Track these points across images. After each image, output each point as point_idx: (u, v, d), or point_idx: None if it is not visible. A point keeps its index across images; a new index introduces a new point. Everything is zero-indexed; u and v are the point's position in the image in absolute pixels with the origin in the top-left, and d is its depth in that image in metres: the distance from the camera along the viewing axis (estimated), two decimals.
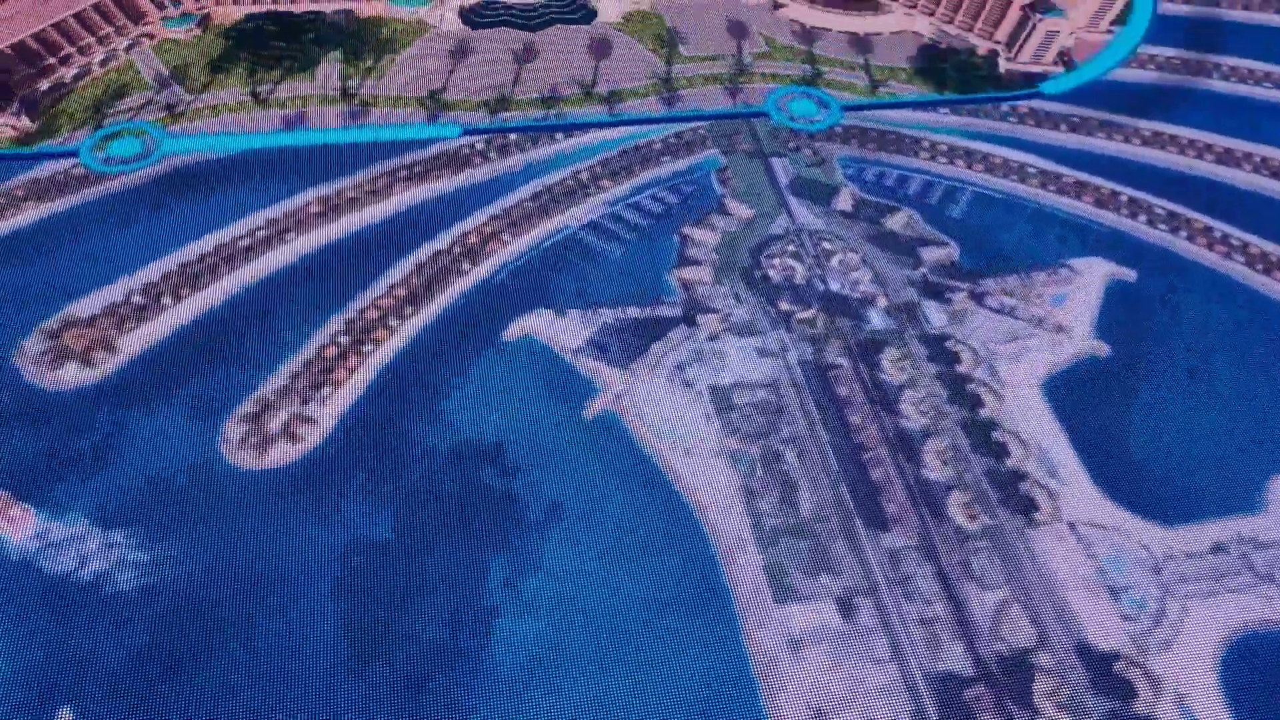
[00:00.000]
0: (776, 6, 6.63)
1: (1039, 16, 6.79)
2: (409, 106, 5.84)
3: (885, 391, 4.91)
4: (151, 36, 6.82)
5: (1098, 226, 5.84)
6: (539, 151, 5.51)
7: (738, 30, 6.39)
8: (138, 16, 7.13)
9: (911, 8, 6.86)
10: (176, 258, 5.05)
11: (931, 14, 7.26)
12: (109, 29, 7.81)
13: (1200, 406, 5.71)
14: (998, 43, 7.04)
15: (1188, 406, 5.45)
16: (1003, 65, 6.50)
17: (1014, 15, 7.70)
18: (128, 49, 6.76)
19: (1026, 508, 5.25)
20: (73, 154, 5.21)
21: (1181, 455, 5.32)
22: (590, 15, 6.42)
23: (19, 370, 4.69)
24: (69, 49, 7.31)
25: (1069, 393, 5.22)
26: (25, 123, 5.18)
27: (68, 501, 4.63)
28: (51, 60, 7.73)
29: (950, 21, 7.12)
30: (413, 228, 5.63)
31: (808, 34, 6.67)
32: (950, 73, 6.58)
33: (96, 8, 8.16)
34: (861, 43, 6.89)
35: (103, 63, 7.26)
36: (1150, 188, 6.22)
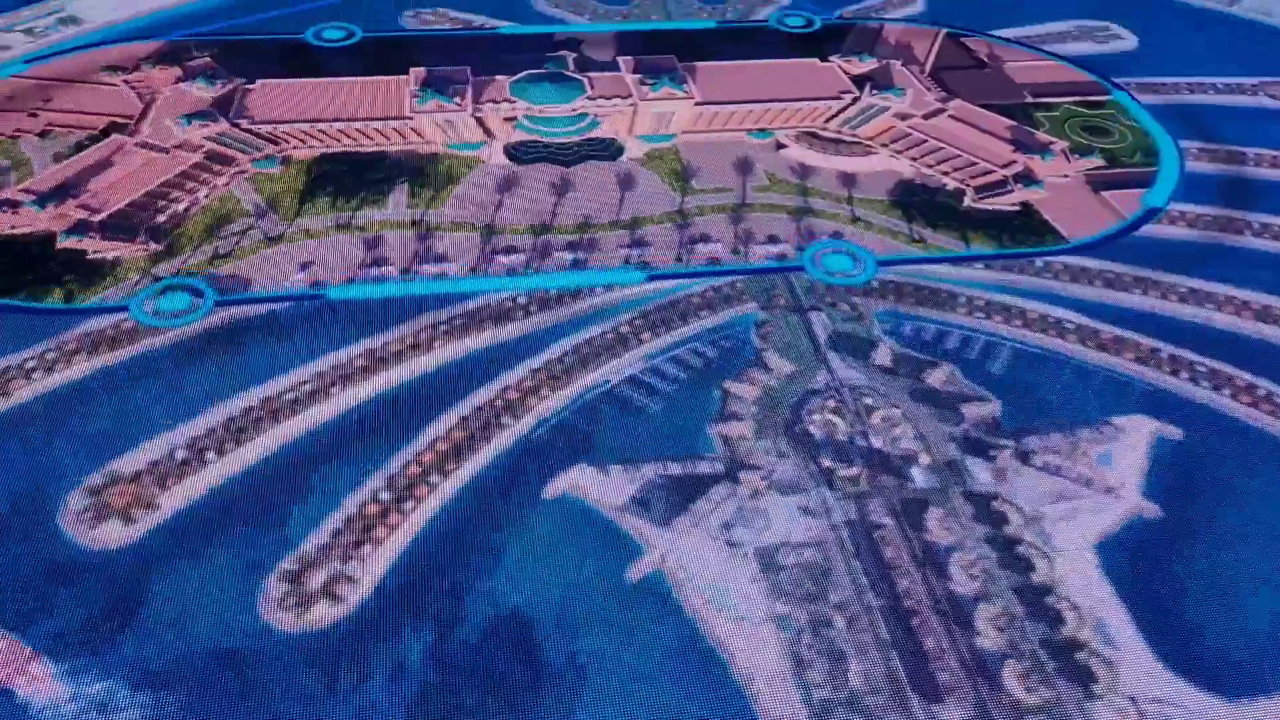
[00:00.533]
0: (779, 148, 6.73)
1: (1020, 185, 6.84)
2: (470, 231, 5.94)
3: (933, 554, 4.60)
4: (245, 172, 7.02)
5: (1140, 383, 5.54)
6: (579, 305, 5.36)
7: (743, 167, 6.45)
8: (229, 161, 7.39)
9: (898, 153, 6.96)
10: (222, 412, 4.84)
11: (916, 160, 7.32)
12: (207, 174, 8.12)
13: (1256, 572, 5.27)
14: (968, 186, 7.04)
15: (1243, 572, 5.03)
16: (966, 202, 6.46)
17: (996, 177, 7.75)
18: (226, 184, 6.99)
19: (1085, 679, 4.88)
20: (123, 309, 5.15)
21: (1240, 624, 4.88)
22: (619, 152, 6.54)
23: (60, 528, 4.45)
24: (177, 193, 7.59)
25: (1122, 556, 4.86)
26: (153, 245, 5.25)
27: (99, 662, 4.28)
28: (163, 202, 8.07)
29: (931, 167, 7.20)
30: (454, 382, 5.46)
31: (804, 171, 6.71)
32: (919, 207, 6.44)
33: (195, 165, 8.60)
34: (848, 178, 6.96)
35: (208, 195, 7.52)
36: (1190, 344, 5.93)
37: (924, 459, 3.42)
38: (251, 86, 4.58)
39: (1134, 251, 4.48)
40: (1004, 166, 4.44)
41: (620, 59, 4.92)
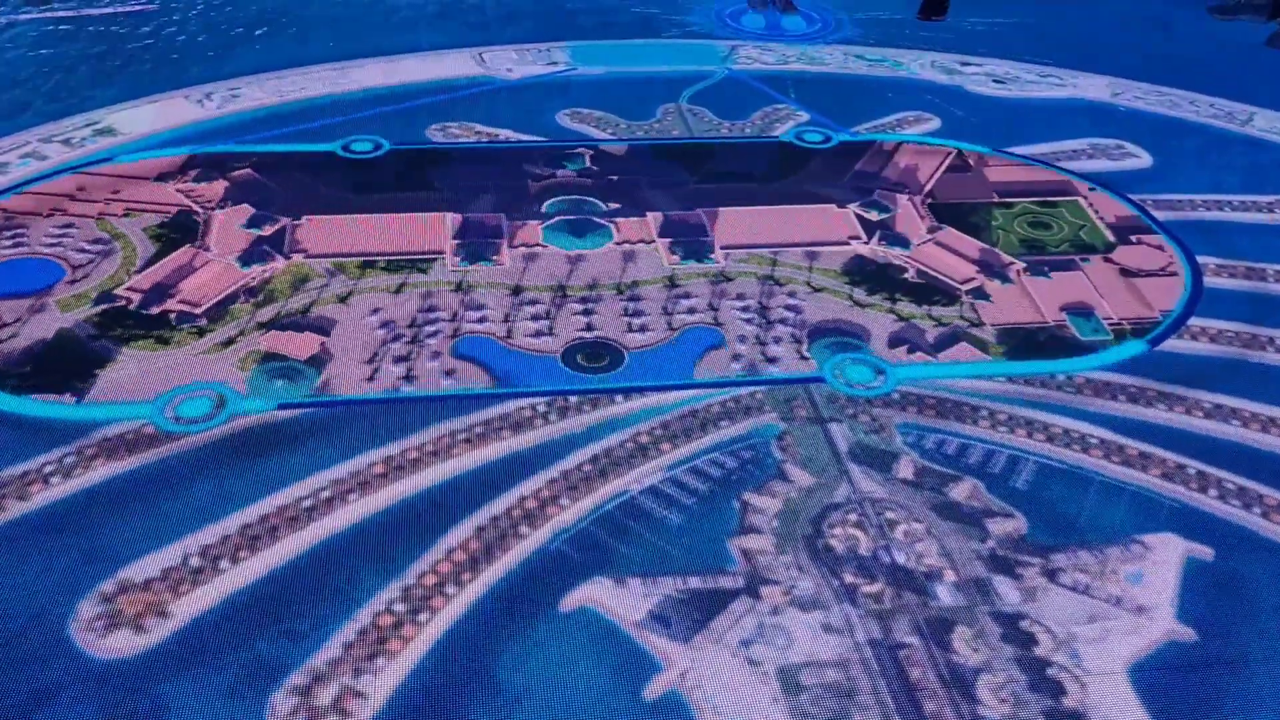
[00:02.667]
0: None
1: (971, 296, 7.02)
2: (501, 288, 5.93)
3: (960, 675, 4.37)
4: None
5: (1168, 500, 5.31)
6: (599, 414, 5.28)
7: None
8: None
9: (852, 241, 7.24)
10: (238, 519, 4.72)
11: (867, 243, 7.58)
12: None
13: None
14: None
15: None
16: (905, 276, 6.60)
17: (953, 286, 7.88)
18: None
19: None
20: (144, 414, 5.14)
21: None
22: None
23: (70, 637, 4.25)
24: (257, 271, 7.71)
25: (1157, 681, 4.57)
26: (254, 299, 5.40)
27: None
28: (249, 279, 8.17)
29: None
30: (472, 491, 5.30)
31: (775, 250, 6.84)
32: (863, 276, 6.44)
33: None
34: (812, 254, 7.07)
35: (284, 263, 7.65)
36: (1217, 461, 5.70)
37: (949, 575, 3.35)
38: (299, 223, 5.01)
39: (1156, 367, 4.46)
40: (963, 283, 4.99)
41: (650, 215, 5.88)
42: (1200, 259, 5.59)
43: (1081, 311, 5.48)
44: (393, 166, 6.24)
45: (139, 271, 5.22)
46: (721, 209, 5.73)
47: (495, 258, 5.31)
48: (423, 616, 3.40)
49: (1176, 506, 4.07)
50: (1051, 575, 3.73)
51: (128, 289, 5.20)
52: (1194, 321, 5.16)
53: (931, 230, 5.71)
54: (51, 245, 5.61)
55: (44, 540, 3.72)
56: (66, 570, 3.51)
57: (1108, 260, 5.79)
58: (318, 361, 4.69)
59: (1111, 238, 5.83)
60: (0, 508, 3.86)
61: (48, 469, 3.92)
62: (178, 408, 4.11)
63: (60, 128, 6.54)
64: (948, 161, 6.55)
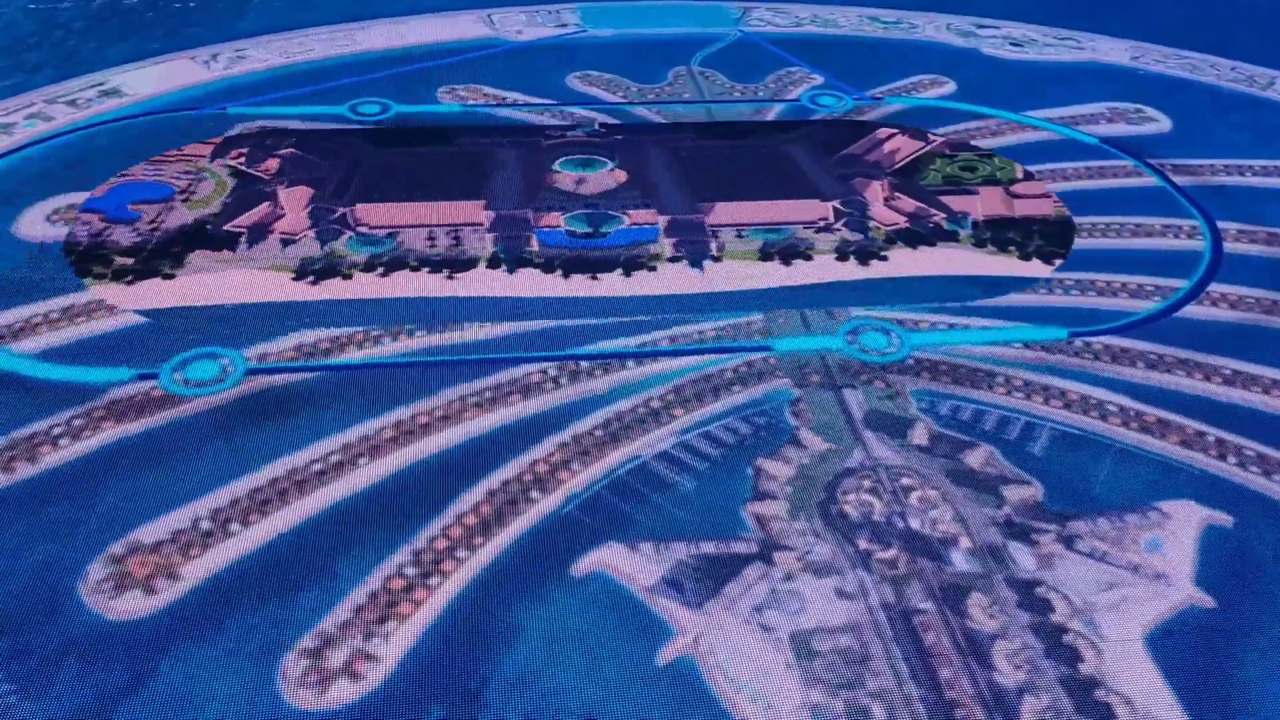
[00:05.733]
0: None
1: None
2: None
3: (975, 641, 4.30)
4: None
5: (1186, 468, 5.20)
6: (610, 378, 5.19)
7: None
8: None
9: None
10: (248, 482, 4.65)
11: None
12: None
13: None
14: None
15: None
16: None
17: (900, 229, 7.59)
18: None
19: None
20: (154, 375, 5.00)
21: None
22: None
23: (80, 598, 4.20)
24: None
25: (1175, 648, 4.45)
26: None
27: None
28: None
29: None
30: (483, 455, 5.22)
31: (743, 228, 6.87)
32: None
33: None
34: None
35: None
36: (1237, 428, 5.56)
37: (964, 542, 3.29)
38: (352, 208, 5.66)
39: (1176, 333, 4.38)
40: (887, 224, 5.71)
41: (659, 220, 5.75)
42: (1221, 224, 5.50)
43: (957, 216, 5.99)
44: (403, 130, 6.24)
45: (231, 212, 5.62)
46: (716, 204, 5.99)
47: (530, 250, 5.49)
48: (434, 580, 3.36)
49: (1195, 473, 4.01)
50: (1068, 542, 3.68)
51: (233, 225, 5.48)
52: (1214, 287, 5.08)
53: (890, 197, 5.82)
54: (152, 174, 6.02)
55: (52, 502, 3.69)
56: (75, 532, 3.48)
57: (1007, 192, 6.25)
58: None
59: (1020, 175, 6.36)
60: (10, 469, 3.83)
61: (56, 431, 3.88)
62: (186, 371, 4.06)
63: (65, 89, 6.46)
64: (925, 147, 6.62)
